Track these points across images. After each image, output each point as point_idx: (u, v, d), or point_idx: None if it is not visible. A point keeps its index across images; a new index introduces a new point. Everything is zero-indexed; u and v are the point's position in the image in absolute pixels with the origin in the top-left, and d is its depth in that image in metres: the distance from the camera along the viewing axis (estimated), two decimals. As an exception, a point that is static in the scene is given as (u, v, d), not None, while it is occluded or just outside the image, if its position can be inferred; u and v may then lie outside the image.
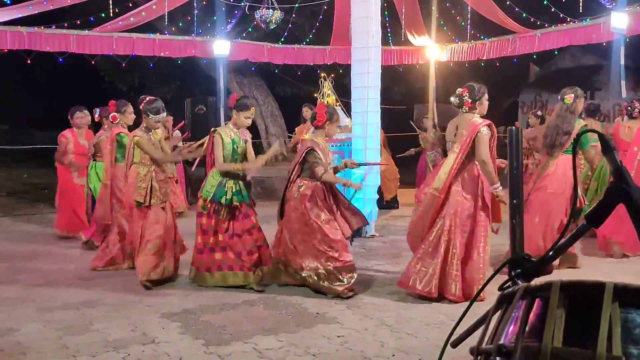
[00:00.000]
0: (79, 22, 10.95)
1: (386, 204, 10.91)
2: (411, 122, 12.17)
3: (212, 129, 5.86)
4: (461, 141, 5.37)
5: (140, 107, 6.05)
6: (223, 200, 5.65)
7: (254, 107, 5.82)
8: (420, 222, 5.53)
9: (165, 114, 6.13)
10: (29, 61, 10.62)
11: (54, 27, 10.67)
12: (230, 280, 5.77)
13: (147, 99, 6.07)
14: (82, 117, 8.21)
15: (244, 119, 5.77)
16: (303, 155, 5.68)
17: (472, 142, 5.32)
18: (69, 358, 4.10)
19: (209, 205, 5.71)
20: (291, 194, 5.71)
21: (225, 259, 5.76)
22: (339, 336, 4.48)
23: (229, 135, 5.72)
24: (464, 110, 5.49)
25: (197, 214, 5.86)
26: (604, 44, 10.99)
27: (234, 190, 5.69)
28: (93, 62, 12.46)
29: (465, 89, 5.49)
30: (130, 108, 7.03)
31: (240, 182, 5.77)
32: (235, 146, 5.73)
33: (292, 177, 5.79)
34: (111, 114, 7.15)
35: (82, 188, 8.03)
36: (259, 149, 16.29)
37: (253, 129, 15.02)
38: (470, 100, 5.43)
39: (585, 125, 6.67)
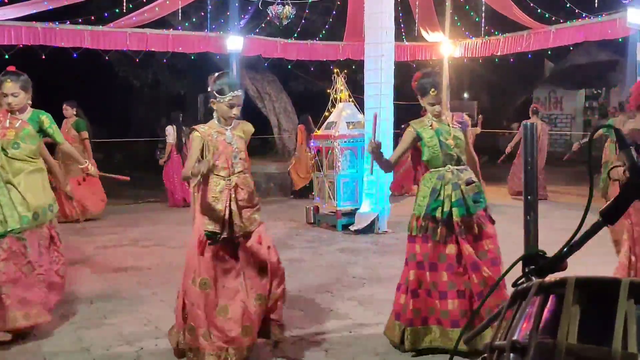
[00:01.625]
0: (93, 18, 11.02)
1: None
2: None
3: (406, 124, 4.39)
4: None
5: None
6: (438, 214, 4.00)
7: (434, 89, 4.10)
8: None
9: (237, 92, 3.80)
10: (43, 57, 10.69)
11: (68, 22, 10.74)
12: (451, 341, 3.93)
13: (214, 76, 3.88)
14: None
15: (429, 106, 4.14)
16: None
17: None
18: (83, 352, 4.14)
19: (422, 224, 4.05)
20: None
21: (445, 307, 3.97)
22: (351, 332, 4.48)
23: (429, 126, 4.16)
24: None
25: (407, 239, 4.18)
26: (620, 39, 10.90)
27: (453, 199, 4.02)
28: (107, 58, 12.53)
29: None
30: None
31: (463, 188, 4.03)
32: (442, 139, 4.10)
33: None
34: None
35: None
36: (271, 145, 16.35)
37: (266, 124, 15.12)
38: None
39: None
